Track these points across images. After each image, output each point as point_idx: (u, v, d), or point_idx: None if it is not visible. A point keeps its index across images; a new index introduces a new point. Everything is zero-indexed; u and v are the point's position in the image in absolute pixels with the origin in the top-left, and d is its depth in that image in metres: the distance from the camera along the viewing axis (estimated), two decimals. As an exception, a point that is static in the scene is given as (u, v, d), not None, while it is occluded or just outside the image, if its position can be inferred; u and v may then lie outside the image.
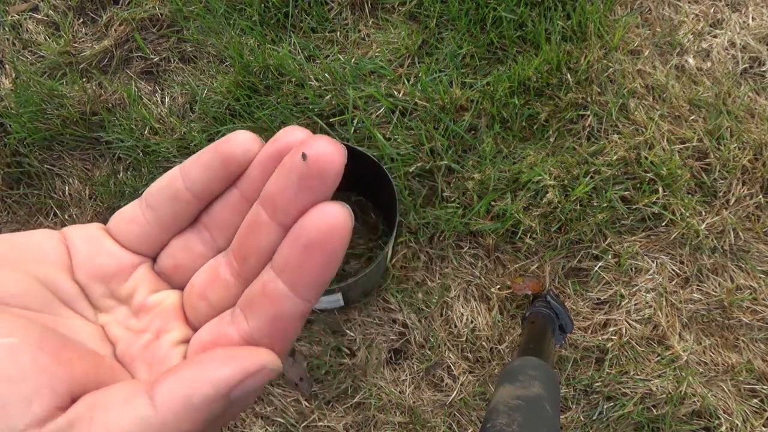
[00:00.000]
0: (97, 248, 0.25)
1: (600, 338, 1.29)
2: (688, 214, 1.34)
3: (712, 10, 1.54)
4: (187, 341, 0.25)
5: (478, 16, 1.45)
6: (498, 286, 1.33)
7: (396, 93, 1.41)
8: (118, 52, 1.53)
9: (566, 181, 1.35)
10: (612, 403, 1.26)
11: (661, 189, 1.34)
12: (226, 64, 1.49)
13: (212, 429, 0.21)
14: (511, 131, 1.40)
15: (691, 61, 1.48)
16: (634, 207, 1.35)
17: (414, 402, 1.28)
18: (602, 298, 1.33)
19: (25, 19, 1.56)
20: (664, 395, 1.25)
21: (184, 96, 1.48)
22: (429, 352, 1.30)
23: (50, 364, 0.19)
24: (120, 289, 0.26)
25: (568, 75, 1.41)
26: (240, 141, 0.24)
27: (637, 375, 1.27)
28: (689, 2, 1.55)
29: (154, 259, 0.27)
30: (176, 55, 1.53)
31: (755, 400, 1.27)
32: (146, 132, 1.42)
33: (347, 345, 1.32)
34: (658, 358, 1.28)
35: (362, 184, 1.35)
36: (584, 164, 1.37)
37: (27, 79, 1.47)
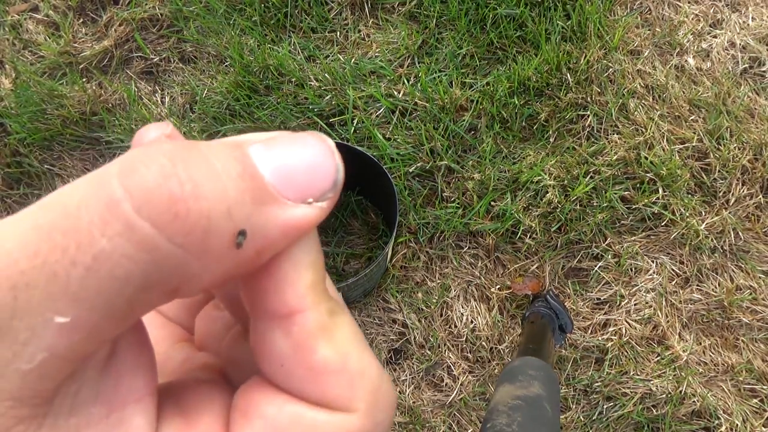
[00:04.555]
0: None
1: (600, 338, 1.29)
2: (688, 214, 1.34)
3: (712, 10, 1.54)
4: None
5: (478, 16, 1.45)
6: (498, 286, 1.33)
7: (396, 93, 1.41)
8: (118, 52, 1.52)
9: (566, 181, 1.35)
10: (612, 403, 1.26)
11: (661, 189, 1.34)
12: (226, 64, 1.49)
13: None
14: (511, 131, 1.40)
15: (691, 61, 1.48)
16: (634, 207, 1.35)
17: (414, 402, 1.28)
18: (602, 298, 1.33)
19: (25, 19, 1.56)
20: (664, 395, 1.25)
21: (184, 96, 1.48)
22: (429, 352, 1.30)
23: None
24: None
25: (568, 75, 1.41)
26: None
27: (637, 375, 1.27)
28: (689, 2, 1.55)
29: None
30: (176, 55, 1.53)
31: (755, 400, 1.26)
32: (146, 132, 1.42)
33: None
34: (658, 358, 1.28)
35: (362, 184, 1.35)
36: (584, 164, 1.37)
37: (27, 79, 1.47)
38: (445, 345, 1.31)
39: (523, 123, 1.40)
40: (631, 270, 1.34)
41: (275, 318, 0.16)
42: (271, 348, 0.16)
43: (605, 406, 1.26)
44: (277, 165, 0.15)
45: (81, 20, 1.57)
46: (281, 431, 0.15)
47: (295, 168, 0.16)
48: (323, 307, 0.16)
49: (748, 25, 1.53)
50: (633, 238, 1.35)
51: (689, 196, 1.37)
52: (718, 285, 1.33)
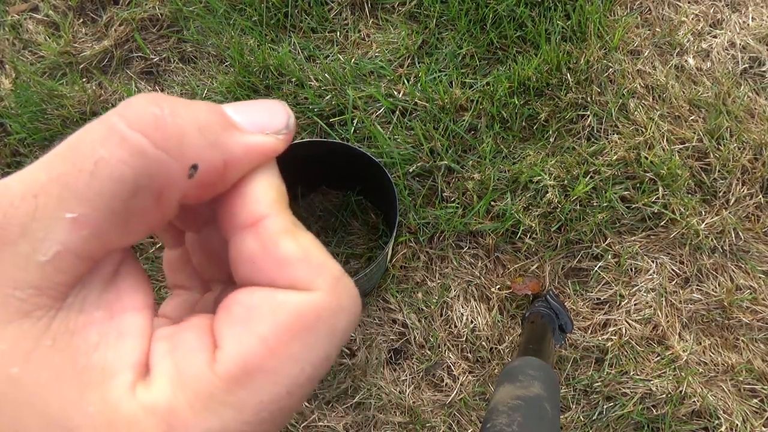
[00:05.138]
0: None
1: (600, 338, 1.29)
2: (687, 214, 1.34)
3: (712, 10, 1.54)
4: None
5: (478, 16, 1.45)
6: (498, 286, 1.33)
7: (396, 93, 1.41)
8: (118, 52, 1.53)
9: (566, 181, 1.35)
10: (612, 403, 1.26)
11: (660, 189, 1.34)
12: (226, 64, 1.49)
13: None
14: (511, 131, 1.40)
15: (691, 61, 1.48)
16: (633, 207, 1.35)
17: (414, 402, 1.28)
18: (602, 298, 1.33)
19: (25, 19, 1.56)
20: (664, 395, 1.25)
21: (184, 96, 1.48)
22: (429, 352, 1.30)
23: None
24: None
25: (568, 75, 1.41)
26: None
27: (637, 375, 1.27)
28: (689, 2, 1.55)
29: None
30: (176, 55, 1.53)
31: (755, 400, 1.27)
32: (146, 132, 1.42)
33: (347, 345, 1.32)
34: (658, 358, 1.28)
35: (362, 184, 1.35)
36: (584, 164, 1.37)
37: (27, 79, 1.47)
38: (445, 345, 1.31)
39: (523, 123, 1.40)
40: (631, 270, 1.34)
41: (245, 227, 0.19)
42: (243, 251, 0.19)
43: (605, 406, 1.26)
44: (242, 114, 0.20)
45: (81, 20, 1.57)
46: (255, 309, 0.18)
47: (255, 114, 0.20)
48: (287, 217, 0.19)
49: (748, 25, 1.53)
50: (633, 238, 1.35)
51: (689, 195, 1.37)
52: (718, 285, 1.33)
